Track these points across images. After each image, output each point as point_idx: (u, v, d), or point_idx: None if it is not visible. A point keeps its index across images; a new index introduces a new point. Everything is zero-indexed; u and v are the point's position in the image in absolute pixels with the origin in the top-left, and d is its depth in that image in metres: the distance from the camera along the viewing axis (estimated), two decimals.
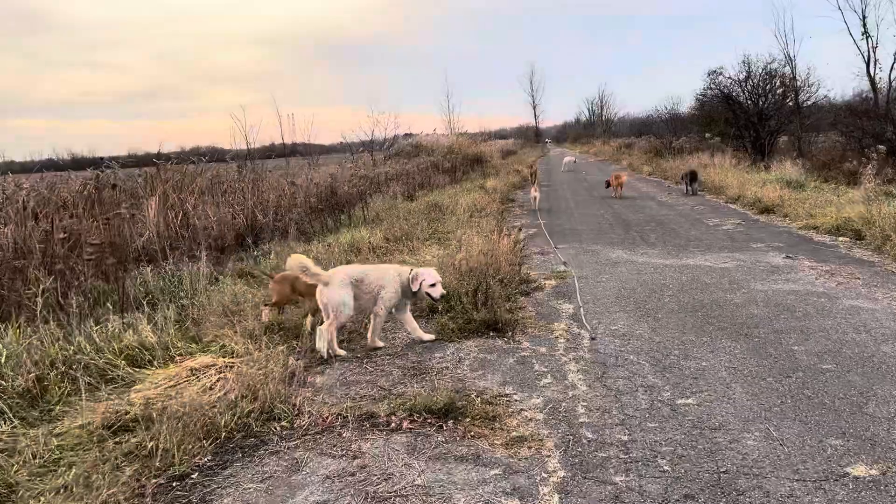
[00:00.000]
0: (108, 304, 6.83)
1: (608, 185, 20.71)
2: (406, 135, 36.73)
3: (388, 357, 6.04)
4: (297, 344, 6.34)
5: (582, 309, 7.27)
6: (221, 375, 5.56)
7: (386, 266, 6.60)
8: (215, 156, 25.14)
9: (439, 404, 4.65)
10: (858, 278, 8.22)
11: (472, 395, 4.92)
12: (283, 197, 14.26)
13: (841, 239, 11.00)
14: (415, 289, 6.24)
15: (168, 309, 7.18)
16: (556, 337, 6.36)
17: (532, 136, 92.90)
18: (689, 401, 4.69)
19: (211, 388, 5.39)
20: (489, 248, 9.16)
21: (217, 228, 11.75)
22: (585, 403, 4.75)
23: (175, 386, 5.48)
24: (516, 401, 4.86)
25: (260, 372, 5.60)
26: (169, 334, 6.49)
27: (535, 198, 17.43)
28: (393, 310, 6.41)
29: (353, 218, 14.69)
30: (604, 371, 5.36)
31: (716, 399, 4.71)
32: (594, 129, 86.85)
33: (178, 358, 6.22)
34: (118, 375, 5.70)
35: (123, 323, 6.50)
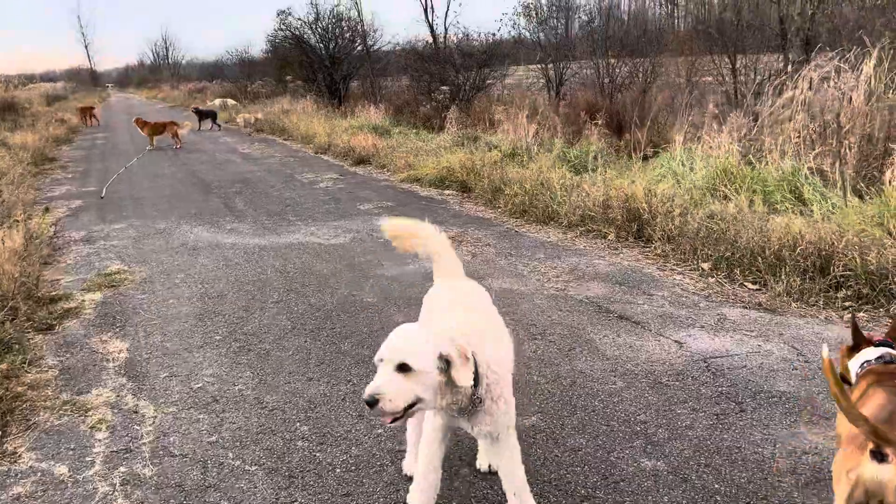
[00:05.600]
0: None
1: (141, 127, 17.86)
2: None
3: None
4: None
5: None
6: None
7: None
8: None
9: None
10: (490, 245, 6.99)
11: None
12: None
13: (448, 192, 9.94)
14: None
15: None
16: (92, 428, 3.51)
17: (88, 79, 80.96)
18: None
19: None
20: None
21: None
22: None
23: None
24: None
25: None
26: None
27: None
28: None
29: None
30: None
31: None
32: (161, 72, 79.42)
33: None
34: None
35: None
